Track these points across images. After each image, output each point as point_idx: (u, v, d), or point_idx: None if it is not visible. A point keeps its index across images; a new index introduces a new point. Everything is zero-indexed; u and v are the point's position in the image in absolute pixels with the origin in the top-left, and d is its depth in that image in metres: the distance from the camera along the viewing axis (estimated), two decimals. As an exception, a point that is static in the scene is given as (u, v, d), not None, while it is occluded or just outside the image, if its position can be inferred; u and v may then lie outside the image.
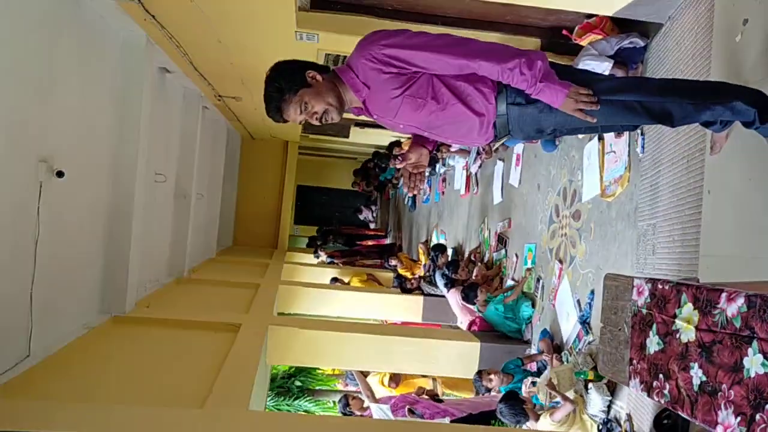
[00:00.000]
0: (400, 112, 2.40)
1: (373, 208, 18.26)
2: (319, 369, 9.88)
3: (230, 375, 4.14)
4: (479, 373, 5.12)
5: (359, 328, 6.09)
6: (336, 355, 5.82)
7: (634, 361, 1.85)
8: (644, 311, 1.81)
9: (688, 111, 2.36)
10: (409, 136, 7.98)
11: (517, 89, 2.33)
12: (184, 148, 8.16)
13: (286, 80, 2.33)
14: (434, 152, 2.70)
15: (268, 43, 5.56)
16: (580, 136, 4.88)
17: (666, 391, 1.69)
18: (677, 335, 1.66)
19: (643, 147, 4.14)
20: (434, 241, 10.40)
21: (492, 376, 5.00)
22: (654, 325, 1.77)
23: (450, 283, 7.29)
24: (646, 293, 1.82)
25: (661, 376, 1.71)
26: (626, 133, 4.39)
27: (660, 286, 1.75)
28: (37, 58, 4.01)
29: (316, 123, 2.42)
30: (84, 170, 4.82)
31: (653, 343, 1.77)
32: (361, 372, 6.63)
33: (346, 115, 8.17)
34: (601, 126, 2.50)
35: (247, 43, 5.64)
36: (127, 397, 3.83)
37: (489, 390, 5.05)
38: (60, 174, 4.10)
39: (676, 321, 1.67)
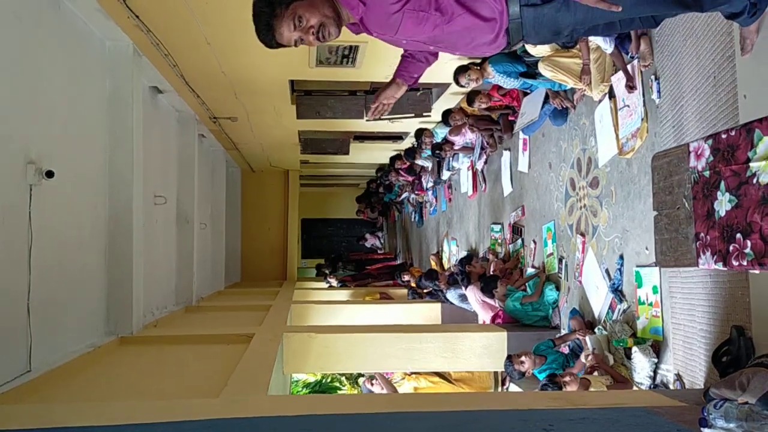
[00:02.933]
0: (402, 28, 2.19)
1: (380, 234, 18.05)
2: (340, 392, 9.54)
3: (246, 370, 3.87)
4: (509, 357, 4.81)
5: (377, 329, 5.80)
6: (355, 357, 5.52)
7: (702, 234, 1.60)
8: (707, 173, 1.58)
9: None
10: (411, 114, 7.79)
11: None
12: (183, 174, 8.02)
13: None
14: (413, 86, 2.65)
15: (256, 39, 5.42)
16: (595, 97, 4.68)
17: (748, 250, 1.44)
18: (755, 180, 1.42)
19: (659, 92, 3.92)
20: (446, 250, 10.14)
21: (523, 359, 4.69)
22: (722, 183, 1.53)
23: (466, 279, 7.01)
24: (707, 152, 1.58)
25: (738, 235, 1.47)
26: (639, 87, 4.18)
27: (724, 136, 1.52)
28: (16, 58, 3.84)
29: (313, 41, 2.20)
30: (76, 176, 4.64)
31: (723, 204, 1.52)
32: (383, 375, 6.32)
33: (345, 127, 7.97)
34: (621, 21, 2.29)
35: (235, 41, 5.48)
36: (136, 398, 3.56)
37: (523, 374, 4.73)
38: (50, 174, 3.90)
39: (751, 164, 1.43)
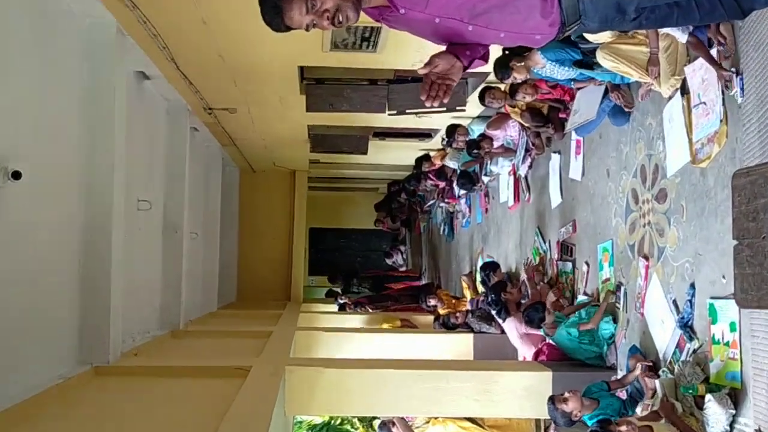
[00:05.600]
0: None
1: (403, 248, 18.02)
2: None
3: (242, 410, 3.90)
4: (551, 398, 4.77)
5: (398, 364, 5.80)
6: (371, 398, 5.52)
7: (795, 271, 1.57)
8: (802, 197, 1.55)
9: None
10: (443, 108, 7.64)
11: None
12: (172, 174, 8.10)
13: None
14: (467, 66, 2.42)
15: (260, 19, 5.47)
16: (664, 93, 4.63)
17: None
18: None
19: (742, 89, 3.88)
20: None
21: (567, 395, 4.62)
22: (821, 210, 1.50)
23: (503, 309, 6.99)
24: (803, 171, 1.55)
25: (840, 274, 1.43)
26: (718, 83, 4.11)
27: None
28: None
29: (328, 26, 2.21)
30: (47, 177, 4.70)
31: (822, 235, 1.49)
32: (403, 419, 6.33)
33: (363, 122, 7.95)
34: (699, 5, 2.27)
35: (236, 21, 5.53)
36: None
37: (570, 418, 4.65)
38: (16, 175, 3.95)
39: None
